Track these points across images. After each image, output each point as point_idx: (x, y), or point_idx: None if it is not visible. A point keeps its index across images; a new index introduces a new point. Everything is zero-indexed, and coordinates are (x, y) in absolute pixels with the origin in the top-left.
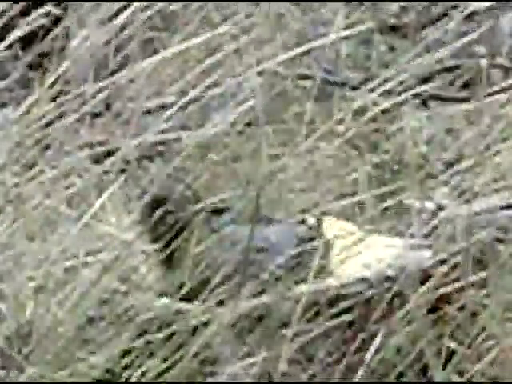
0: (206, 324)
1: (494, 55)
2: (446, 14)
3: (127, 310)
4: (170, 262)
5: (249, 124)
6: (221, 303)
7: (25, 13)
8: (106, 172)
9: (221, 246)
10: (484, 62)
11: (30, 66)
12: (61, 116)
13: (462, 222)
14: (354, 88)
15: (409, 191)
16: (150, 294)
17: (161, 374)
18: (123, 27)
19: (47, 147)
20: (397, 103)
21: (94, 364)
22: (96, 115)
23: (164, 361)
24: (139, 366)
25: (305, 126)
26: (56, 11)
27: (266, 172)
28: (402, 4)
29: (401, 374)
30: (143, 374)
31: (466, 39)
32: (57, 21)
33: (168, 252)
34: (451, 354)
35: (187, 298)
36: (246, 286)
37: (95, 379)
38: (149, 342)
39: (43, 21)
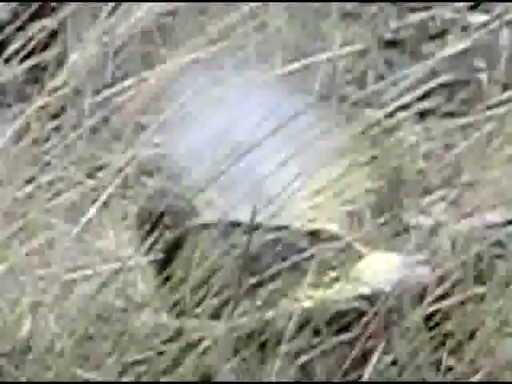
0: (200, 341)
1: (492, 70)
2: (444, 30)
3: (125, 329)
4: (167, 277)
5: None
6: (217, 317)
7: (22, 27)
8: (103, 187)
9: (218, 255)
10: (483, 76)
11: (28, 81)
12: (58, 130)
13: (460, 238)
14: (352, 103)
15: (407, 206)
16: (148, 311)
17: None
18: (121, 41)
19: (45, 162)
20: (394, 118)
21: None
22: (94, 130)
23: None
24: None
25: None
26: (53, 25)
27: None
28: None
29: None
30: None
31: (463, 51)
32: (54, 34)
33: (165, 267)
34: (449, 370)
35: (186, 313)
36: (241, 300)
37: None
38: (146, 360)
39: (41, 35)
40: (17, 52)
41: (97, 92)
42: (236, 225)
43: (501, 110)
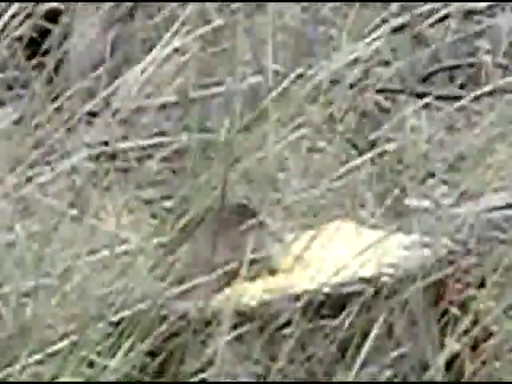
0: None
1: (493, 53)
2: (447, 14)
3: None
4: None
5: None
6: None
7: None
8: (106, 171)
9: None
10: (487, 57)
11: (30, 65)
12: (60, 115)
13: (461, 221)
14: (353, 87)
15: (409, 190)
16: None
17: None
18: (122, 25)
19: (47, 146)
20: (397, 102)
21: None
22: (95, 114)
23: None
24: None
25: (305, 125)
26: (55, 9)
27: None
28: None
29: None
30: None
31: (465, 37)
32: (56, 19)
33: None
34: (452, 353)
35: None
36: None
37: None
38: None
39: (42, 19)
40: (19, 37)
41: (99, 76)
42: None
43: (503, 94)
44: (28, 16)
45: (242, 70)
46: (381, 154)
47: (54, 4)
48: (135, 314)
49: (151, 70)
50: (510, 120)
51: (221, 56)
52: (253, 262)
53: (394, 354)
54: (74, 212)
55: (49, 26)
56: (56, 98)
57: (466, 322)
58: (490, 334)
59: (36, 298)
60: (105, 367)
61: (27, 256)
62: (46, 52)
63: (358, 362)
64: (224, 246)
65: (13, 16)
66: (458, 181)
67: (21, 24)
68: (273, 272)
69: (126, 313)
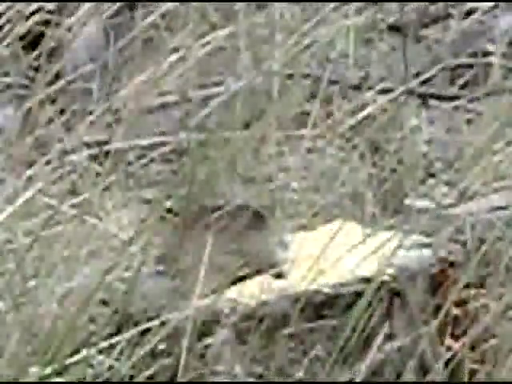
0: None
1: (493, 54)
2: (447, 14)
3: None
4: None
5: (248, 123)
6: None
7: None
8: (106, 171)
9: None
10: (487, 58)
11: (30, 66)
12: (61, 114)
13: (461, 222)
14: (354, 87)
15: (409, 190)
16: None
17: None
18: (123, 25)
19: (48, 146)
20: (397, 102)
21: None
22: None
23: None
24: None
25: (305, 125)
26: (55, 9)
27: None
28: (403, 3)
29: (401, 374)
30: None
31: (465, 37)
32: (56, 19)
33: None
34: (452, 353)
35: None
36: None
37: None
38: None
39: (43, 19)
40: (20, 37)
41: (100, 76)
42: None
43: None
44: (28, 16)
45: (241, 70)
46: (381, 154)
47: (54, 4)
48: (136, 314)
49: (151, 70)
50: (509, 120)
51: (221, 56)
52: (255, 263)
53: (394, 353)
54: (74, 212)
55: (49, 26)
56: (56, 98)
57: (466, 322)
58: (490, 334)
59: (36, 298)
60: (105, 367)
61: (27, 256)
62: (46, 52)
63: (357, 361)
64: (225, 247)
65: (13, 16)
66: (458, 181)
67: (21, 24)
68: (275, 273)
69: (127, 313)
